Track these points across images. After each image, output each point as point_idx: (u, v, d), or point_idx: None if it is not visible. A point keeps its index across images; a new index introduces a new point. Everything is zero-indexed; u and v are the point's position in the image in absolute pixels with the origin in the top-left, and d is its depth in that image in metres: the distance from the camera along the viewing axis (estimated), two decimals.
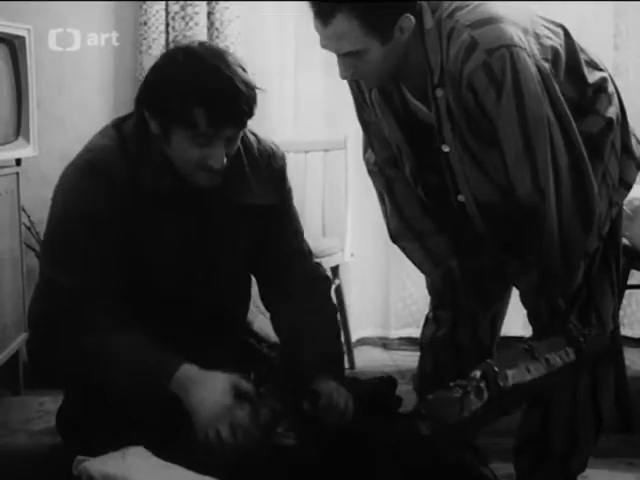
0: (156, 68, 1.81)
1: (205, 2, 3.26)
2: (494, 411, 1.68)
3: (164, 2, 3.24)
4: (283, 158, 2.01)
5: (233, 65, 1.76)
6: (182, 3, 3.23)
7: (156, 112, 1.77)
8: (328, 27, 1.73)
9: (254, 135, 1.98)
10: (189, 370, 1.71)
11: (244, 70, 1.78)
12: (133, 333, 1.75)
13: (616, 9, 3.38)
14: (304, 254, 2.07)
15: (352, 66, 1.79)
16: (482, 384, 1.65)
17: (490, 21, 1.72)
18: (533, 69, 1.71)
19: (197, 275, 1.90)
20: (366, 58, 1.76)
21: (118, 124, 1.89)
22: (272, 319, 2.05)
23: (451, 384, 1.66)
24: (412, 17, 1.74)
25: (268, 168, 1.96)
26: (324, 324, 1.99)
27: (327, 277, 2.14)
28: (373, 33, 1.73)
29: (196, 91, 1.71)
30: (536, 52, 1.73)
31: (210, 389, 1.69)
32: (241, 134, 1.82)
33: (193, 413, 1.69)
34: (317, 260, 2.17)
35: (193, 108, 1.71)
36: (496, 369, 1.67)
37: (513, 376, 1.68)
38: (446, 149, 1.85)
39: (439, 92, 1.79)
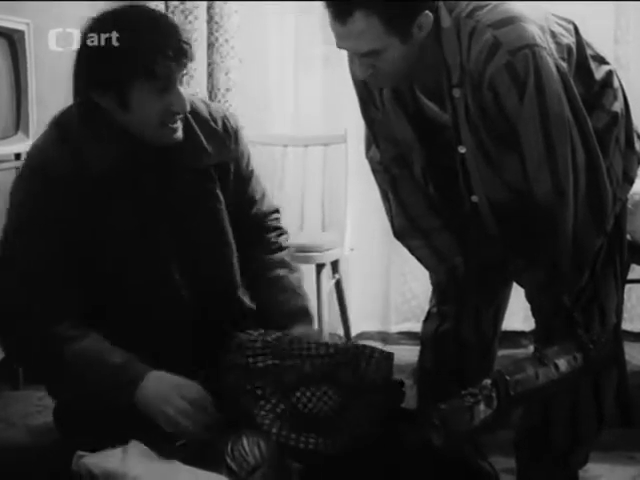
0: (89, 46, 1.77)
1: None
2: (502, 419, 1.67)
3: (163, 2, 3.24)
4: (236, 119, 2.01)
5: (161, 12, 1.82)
6: None
7: (110, 80, 1.75)
8: (346, 25, 1.69)
9: (202, 101, 1.98)
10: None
11: None
12: (90, 336, 1.77)
13: (617, 3, 3.37)
14: (271, 212, 2.08)
15: (371, 66, 1.76)
16: (493, 393, 1.64)
17: (512, 20, 1.71)
18: (553, 69, 1.70)
19: (170, 249, 1.86)
20: (385, 57, 1.73)
21: (57, 120, 1.87)
22: (248, 278, 2.02)
23: (462, 392, 1.64)
24: (431, 14, 1.72)
25: (223, 128, 1.95)
26: (291, 279, 2.03)
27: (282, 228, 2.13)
28: (392, 31, 1.69)
29: (142, 37, 1.72)
30: (554, 51, 1.72)
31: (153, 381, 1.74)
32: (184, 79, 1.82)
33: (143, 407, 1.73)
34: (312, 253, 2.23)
35: (146, 54, 1.71)
36: (507, 378, 1.66)
37: (522, 383, 1.68)
38: (462, 150, 1.83)
39: (457, 92, 1.77)
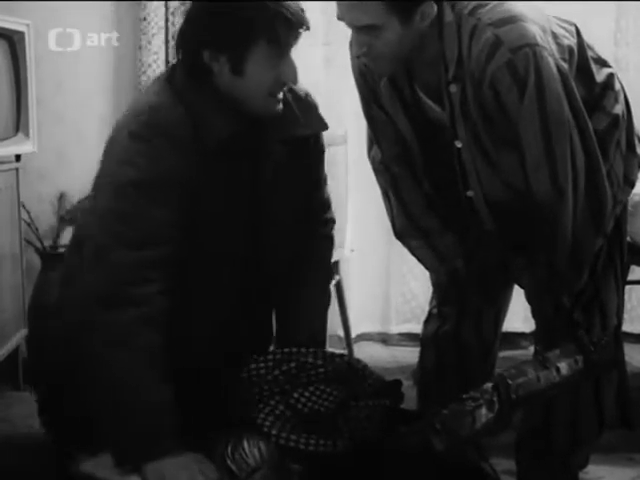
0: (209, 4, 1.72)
1: None
2: (504, 422, 1.67)
3: (163, 2, 3.24)
4: (314, 95, 1.94)
5: None
6: None
7: (230, 40, 1.68)
8: None
9: None
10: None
11: None
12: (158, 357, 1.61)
13: (618, 5, 3.37)
14: (329, 206, 2.00)
15: (367, 43, 1.75)
16: (495, 397, 1.64)
17: (513, 19, 1.71)
18: (554, 69, 1.71)
19: (247, 222, 1.80)
20: (383, 36, 1.72)
21: (168, 79, 1.77)
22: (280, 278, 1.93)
23: (464, 396, 1.63)
24: (435, 6, 1.73)
25: (306, 97, 1.89)
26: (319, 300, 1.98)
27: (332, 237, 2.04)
28: (394, 9, 1.69)
29: (266, 1, 1.66)
30: (555, 52, 1.73)
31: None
32: None
33: None
34: None
35: (271, 17, 1.66)
36: (509, 381, 1.65)
37: (524, 386, 1.67)
38: (459, 145, 1.84)
39: (453, 88, 1.78)
